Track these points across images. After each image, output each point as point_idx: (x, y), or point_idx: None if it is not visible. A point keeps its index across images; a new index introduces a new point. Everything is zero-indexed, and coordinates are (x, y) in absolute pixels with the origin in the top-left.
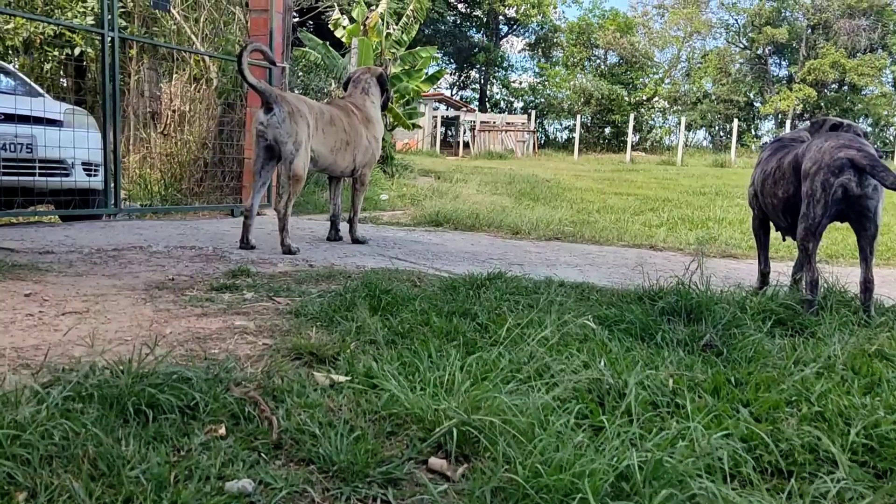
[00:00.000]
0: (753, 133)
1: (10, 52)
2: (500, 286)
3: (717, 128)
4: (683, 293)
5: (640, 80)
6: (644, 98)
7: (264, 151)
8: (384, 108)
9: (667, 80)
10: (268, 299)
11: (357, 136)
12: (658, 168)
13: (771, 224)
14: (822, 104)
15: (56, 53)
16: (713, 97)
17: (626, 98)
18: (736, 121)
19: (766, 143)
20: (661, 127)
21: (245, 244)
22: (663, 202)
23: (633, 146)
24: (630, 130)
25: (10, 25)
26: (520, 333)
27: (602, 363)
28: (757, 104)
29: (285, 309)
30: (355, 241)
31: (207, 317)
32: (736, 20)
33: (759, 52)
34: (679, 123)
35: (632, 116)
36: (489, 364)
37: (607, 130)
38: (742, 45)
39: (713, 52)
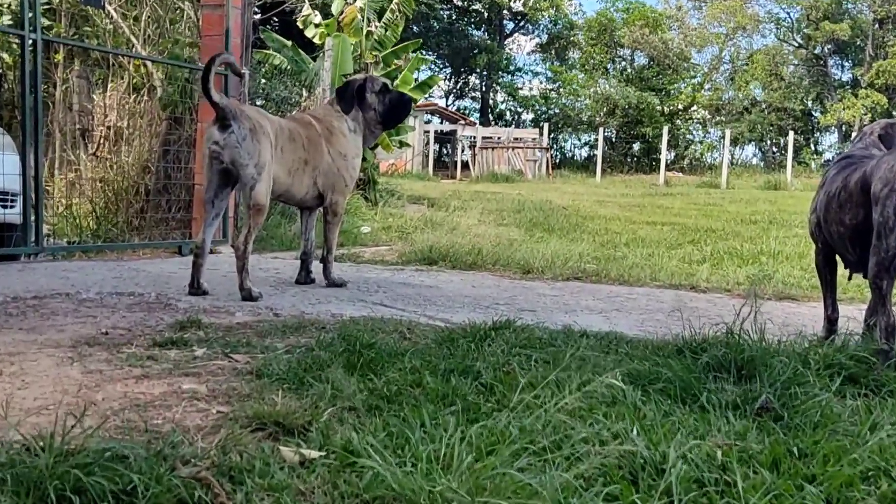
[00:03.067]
0: (813, 149)
1: None
2: (509, 337)
3: (768, 142)
4: (733, 344)
5: (675, 85)
6: (680, 107)
7: (219, 176)
8: (384, 125)
9: (707, 86)
10: (223, 357)
11: (317, 153)
12: (698, 191)
13: (838, 259)
14: (895, 112)
15: None
16: (763, 105)
17: (659, 107)
18: (791, 133)
19: (830, 160)
20: (700, 142)
21: (196, 289)
22: (706, 233)
23: (667, 165)
24: (663, 146)
25: None
26: (533, 396)
27: (634, 432)
28: (816, 114)
29: (245, 368)
30: (330, 283)
31: (149, 379)
32: (788, 14)
33: (817, 51)
34: (723, 137)
35: (665, 129)
36: (496, 434)
37: (636, 147)
38: (796, 44)
39: (762, 51)
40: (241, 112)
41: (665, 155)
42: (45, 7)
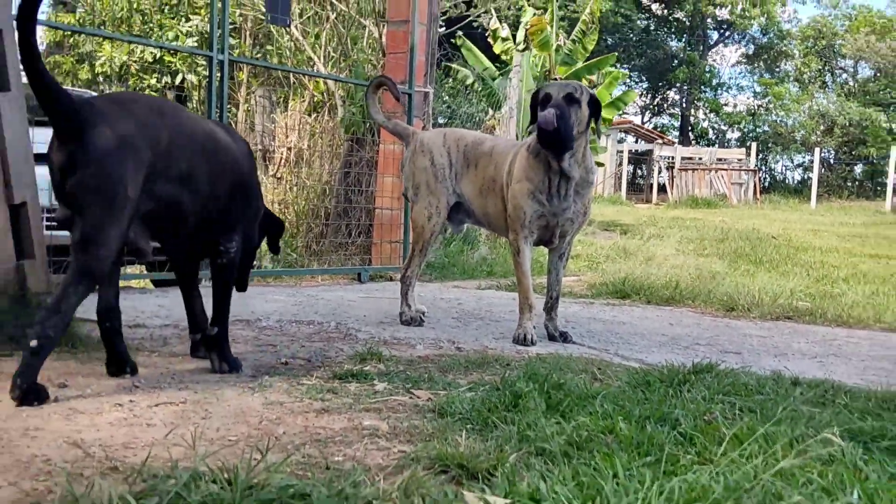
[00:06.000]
0: None
1: (102, 79)
2: (710, 383)
3: None
4: None
5: None
6: None
7: None
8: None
9: None
10: (404, 392)
11: (497, 175)
12: None
13: None
14: None
15: (154, 81)
16: None
17: (886, 125)
18: None
19: None
20: None
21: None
22: None
23: (895, 190)
24: (891, 169)
25: (103, 52)
26: (739, 451)
27: (856, 496)
28: None
29: (426, 406)
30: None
31: (329, 413)
32: None
33: None
34: None
35: (893, 150)
36: (697, 490)
37: (857, 169)
38: None
39: None
40: (413, 135)
41: (892, 179)
42: (231, 27)
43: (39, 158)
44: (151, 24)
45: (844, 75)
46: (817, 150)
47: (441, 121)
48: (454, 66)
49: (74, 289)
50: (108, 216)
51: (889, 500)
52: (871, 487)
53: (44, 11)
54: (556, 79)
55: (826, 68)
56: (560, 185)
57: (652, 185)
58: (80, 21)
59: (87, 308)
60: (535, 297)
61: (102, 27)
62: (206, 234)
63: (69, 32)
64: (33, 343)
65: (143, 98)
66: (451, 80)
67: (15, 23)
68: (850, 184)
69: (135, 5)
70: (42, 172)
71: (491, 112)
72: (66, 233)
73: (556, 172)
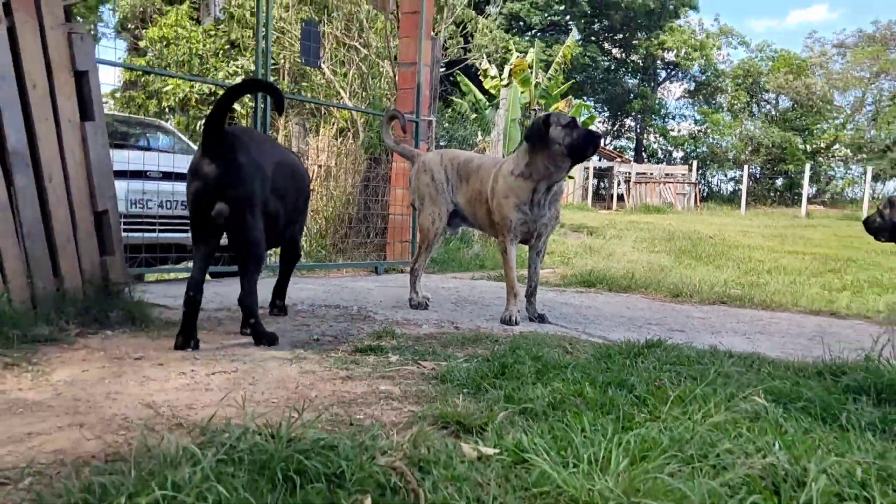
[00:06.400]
0: None
1: (167, 110)
2: (660, 355)
3: None
4: (873, 369)
5: (818, 126)
6: (822, 146)
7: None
8: (572, 158)
9: (849, 126)
10: (413, 363)
11: (482, 188)
12: (840, 223)
13: None
14: None
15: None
16: None
17: (801, 146)
18: None
19: None
20: (842, 178)
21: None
22: (846, 262)
23: (809, 199)
24: (805, 181)
25: (169, 87)
26: (682, 409)
27: (777, 446)
28: None
29: (431, 374)
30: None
31: (352, 380)
32: None
33: None
34: (864, 174)
35: (808, 166)
36: (648, 442)
37: (779, 182)
38: None
39: None
40: (416, 156)
41: (807, 189)
42: (272, 66)
43: (118, 175)
44: (207, 66)
45: (768, 106)
46: (746, 166)
47: (443, 143)
48: (454, 98)
49: (257, 270)
50: (256, 219)
51: (803, 450)
52: (788, 439)
53: (120, 55)
54: (535, 110)
55: (753, 100)
56: (540, 199)
57: (612, 195)
58: (150, 63)
59: (156, 293)
60: (518, 286)
61: (168, 68)
62: (289, 234)
63: (141, 72)
64: (252, 320)
65: (255, 132)
66: (450, 110)
67: (218, 104)
68: (772, 194)
69: (194, 50)
70: (120, 186)
71: (482, 136)
72: (136, 234)
73: (539, 191)
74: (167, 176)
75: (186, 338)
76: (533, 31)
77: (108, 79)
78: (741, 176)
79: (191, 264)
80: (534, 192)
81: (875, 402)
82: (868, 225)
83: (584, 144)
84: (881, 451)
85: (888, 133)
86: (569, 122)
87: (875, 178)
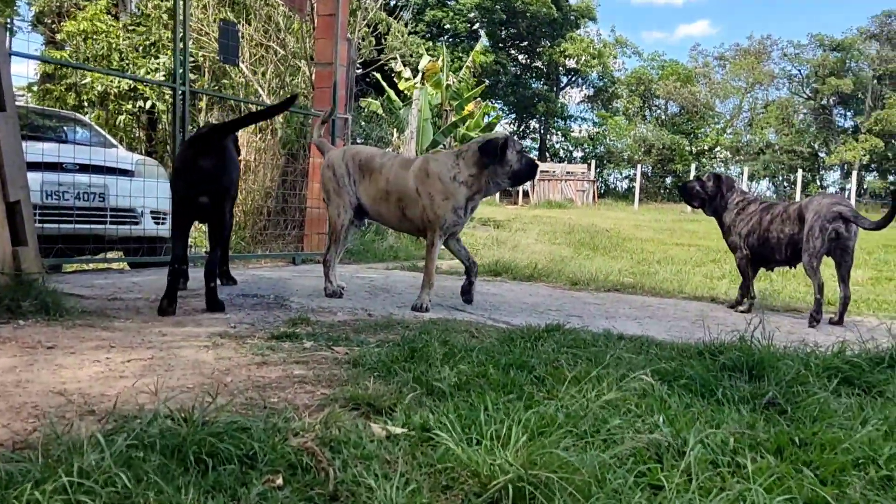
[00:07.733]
0: (819, 184)
1: (87, 104)
2: (559, 339)
3: (781, 178)
4: (745, 349)
5: (702, 129)
6: (705, 148)
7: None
8: (513, 181)
9: (729, 131)
10: (327, 349)
11: (404, 189)
12: None
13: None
14: (890, 154)
15: (129, 106)
16: (776, 147)
17: (688, 148)
18: (800, 171)
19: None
20: None
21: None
22: (725, 253)
23: None
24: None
25: (87, 80)
26: (577, 388)
27: (661, 420)
28: (822, 155)
29: (344, 359)
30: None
31: (267, 366)
32: (799, 71)
33: (824, 102)
34: (742, 173)
35: (693, 166)
36: (546, 419)
37: (668, 180)
38: (806, 96)
39: (776, 102)
40: (328, 151)
41: None
42: (192, 64)
43: (34, 167)
44: (127, 62)
45: (659, 111)
46: (639, 165)
47: (360, 140)
48: (369, 98)
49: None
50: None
51: (684, 423)
52: (672, 414)
53: (37, 49)
54: (447, 111)
55: (645, 105)
56: (472, 206)
57: (518, 191)
58: (70, 56)
59: (73, 283)
60: (435, 277)
61: (87, 62)
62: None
63: (59, 66)
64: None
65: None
66: (365, 109)
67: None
68: (662, 191)
69: (114, 45)
70: (36, 177)
71: (396, 134)
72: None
73: (474, 199)
74: (84, 168)
75: (170, 300)
76: (445, 37)
77: (25, 71)
78: (635, 174)
79: (110, 254)
80: (470, 199)
81: (747, 378)
82: (686, 190)
83: (527, 173)
84: (751, 422)
85: (761, 137)
86: (521, 148)
87: (751, 177)
